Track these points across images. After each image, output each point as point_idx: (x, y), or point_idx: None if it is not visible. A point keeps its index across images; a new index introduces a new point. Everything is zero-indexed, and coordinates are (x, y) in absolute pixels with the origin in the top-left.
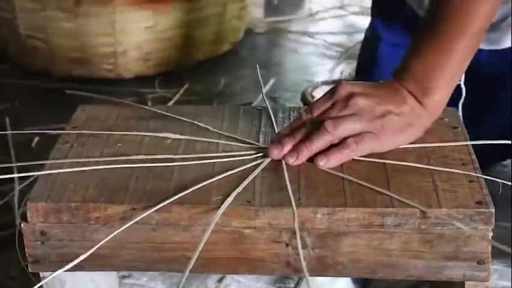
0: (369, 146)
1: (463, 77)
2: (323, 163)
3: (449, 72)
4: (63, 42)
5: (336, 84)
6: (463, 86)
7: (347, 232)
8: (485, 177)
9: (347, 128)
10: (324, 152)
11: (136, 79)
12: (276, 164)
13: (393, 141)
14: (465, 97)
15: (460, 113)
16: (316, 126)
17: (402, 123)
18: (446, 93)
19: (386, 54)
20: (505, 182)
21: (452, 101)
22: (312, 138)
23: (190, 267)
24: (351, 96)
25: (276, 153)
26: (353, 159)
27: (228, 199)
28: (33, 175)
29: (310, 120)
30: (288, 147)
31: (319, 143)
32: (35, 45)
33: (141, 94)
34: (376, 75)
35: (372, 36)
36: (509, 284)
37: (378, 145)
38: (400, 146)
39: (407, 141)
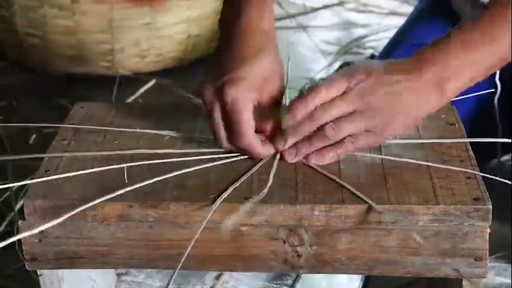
0: (365, 144)
1: (498, 72)
2: (315, 160)
3: (482, 66)
4: (60, 40)
5: (353, 68)
6: (498, 82)
7: (344, 229)
8: (483, 174)
9: (348, 131)
10: (318, 149)
11: (133, 76)
12: (273, 161)
13: (392, 135)
14: (500, 92)
15: (496, 108)
16: (318, 128)
17: (407, 120)
18: (465, 84)
19: None
20: (502, 179)
21: (487, 97)
22: (312, 140)
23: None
24: (362, 86)
25: (280, 146)
26: (351, 155)
27: (223, 194)
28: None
29: (316, 112)
30: (291, 142)
31: (319, 145)
32: (32, 42)
33: (138, 91)
34: None
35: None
36: (507, 281)
37: (375, 142)
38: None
39: (407, 132)
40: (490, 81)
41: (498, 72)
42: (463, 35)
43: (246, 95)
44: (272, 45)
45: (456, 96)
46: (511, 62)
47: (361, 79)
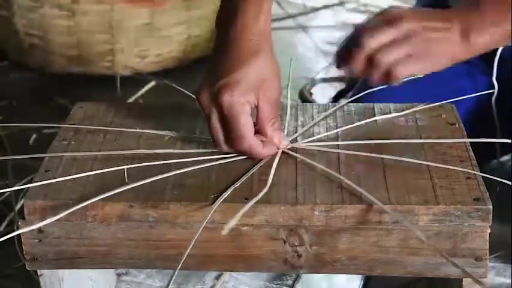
0: (412, 68)
1: (495, 72)
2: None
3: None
4: (60, 40)
5: (384, 11)
6: (495, 82)
7: (345, 229)
8: (483, 174)
9: (392, 57)
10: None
11: (133, 76)
12: (273, 161)
13: (430, 66)
14: (497, 93)
15: (494, 109)
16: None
17: (439, 57)
18: (494, 41)
19: None
20: (502, 180)
21: (486, 97)
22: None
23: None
24: (397, 19)
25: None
26: (351, 155)
27: (223, 194)
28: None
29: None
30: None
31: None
32: (32, 42)
33: (138, 91)
34: None
35: None
36: (507, 281)
37: (419, 68)
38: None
39: (437, 69)
40: (488, 81)
41: (495, 73)
42: None
43: (242, 99)
44: (268, 46)
45: (456, 97)
46: (509, 64)
47: (401, 13)
